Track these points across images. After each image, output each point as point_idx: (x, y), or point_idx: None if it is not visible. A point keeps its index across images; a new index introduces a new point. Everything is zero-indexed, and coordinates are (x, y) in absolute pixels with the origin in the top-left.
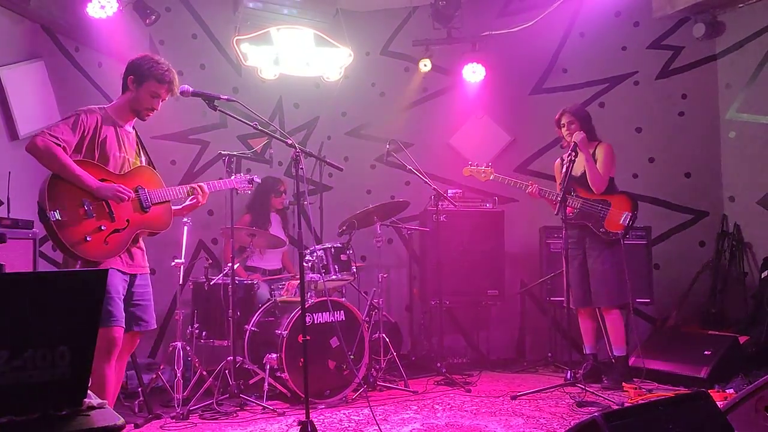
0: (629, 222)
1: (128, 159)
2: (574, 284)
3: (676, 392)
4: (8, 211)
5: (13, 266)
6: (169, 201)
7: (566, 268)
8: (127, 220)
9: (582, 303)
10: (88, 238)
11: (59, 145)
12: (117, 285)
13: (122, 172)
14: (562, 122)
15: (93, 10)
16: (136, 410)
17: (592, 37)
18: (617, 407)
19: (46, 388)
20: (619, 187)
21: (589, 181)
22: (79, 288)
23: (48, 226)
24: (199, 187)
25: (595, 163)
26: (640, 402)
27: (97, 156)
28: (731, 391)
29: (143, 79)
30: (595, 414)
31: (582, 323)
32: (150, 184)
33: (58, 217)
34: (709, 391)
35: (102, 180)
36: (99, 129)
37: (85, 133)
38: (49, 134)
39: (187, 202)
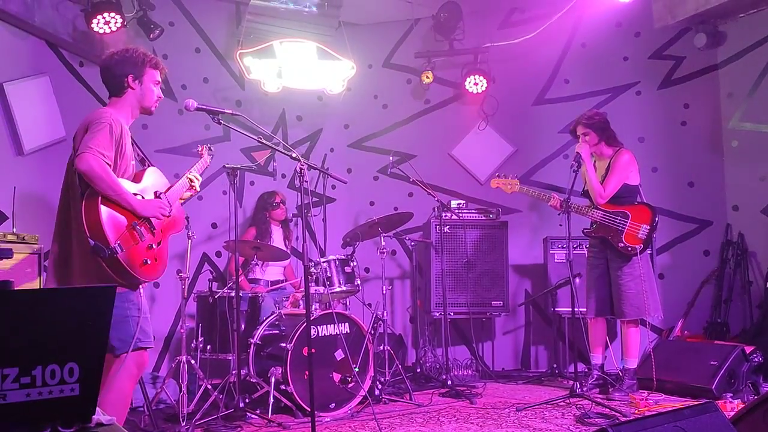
0: (646, 236)
1: (134, 162)
2: (594, 294)
3: (683, 403)
4: (13, 226)
5: (18, 281)
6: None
7: (572, 278)
8: (161, 231)
9: (600, 313)
10: (147, 261)
11: (109, 165)
12: (144, 302)
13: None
14: (577, 133)
15: (97, 26)
16: (141, 425)
17: (593, 47)
18: (625, 419)
19: (54, 405)
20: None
21: (591, 192)
22: (87, 304)
23: (112, 260)
24: (194, 176)
25: (607, 171)
26: (648, 413)
27: (119, 167)
28: (739, 401)
29: (142, 72)
30: (604, 426)
31: (593, 333)
32: (163, 186)
33: (121, 249)
34: (716, 401)
35: (134, 195)
36: (120, 138)
37: (116, 146)
38: (99, 152)
39: (186, 194)
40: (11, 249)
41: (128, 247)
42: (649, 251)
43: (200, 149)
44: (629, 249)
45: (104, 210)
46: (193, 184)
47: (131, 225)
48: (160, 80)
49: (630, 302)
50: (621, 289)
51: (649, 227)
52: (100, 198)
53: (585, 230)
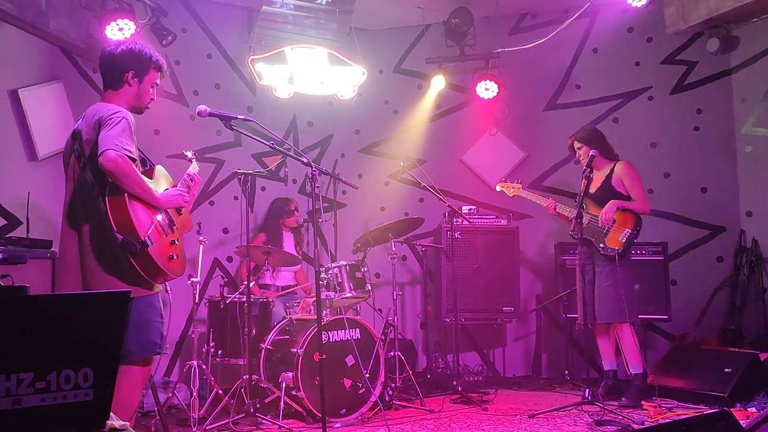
0: (627, 240)
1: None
2: (586, 299)
3: (697, 410)
4: (27, 231)
5: (31, 287)
6: None
7: (579, 284)
8: (177, 229)
9: (591, 318)
10: (173, 256)
11: (134, 160)
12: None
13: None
14: (574, 148)
15: (111, 32)
16: (152, 429)
17: (605, 52)
18: (638, 426)
19: (69, 410)
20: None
21: (637, 212)
22: (102, 309)
23: (142, 255)
24: (192, 173)
25: (606, 182)
26: (662, 421)
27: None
28: (753, 409)
29: (145, 72)
30: None
31: (598, 339)
32: (170, 183)
33: (151, 242)
34: (731, 409)
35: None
36: (134, 132)
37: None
38: (124, 149)
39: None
40: (26, 254)
41: (156, 241)
42: (664, 257)
43: (189, 156)
44: (609, 251)
45: (132, 205)
46: (194, 180)
47: (155, 219)
48: (158, 83)
49: (606, 305)
50: (599, 291)
51: (630, 231)
52: (126, 194)
53: (580, 233)
